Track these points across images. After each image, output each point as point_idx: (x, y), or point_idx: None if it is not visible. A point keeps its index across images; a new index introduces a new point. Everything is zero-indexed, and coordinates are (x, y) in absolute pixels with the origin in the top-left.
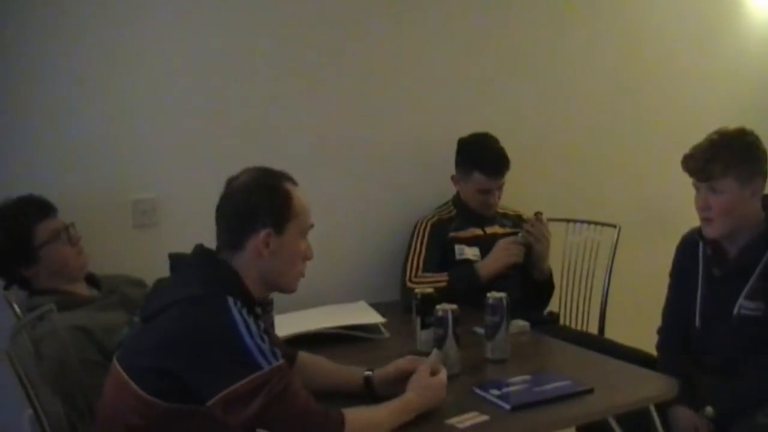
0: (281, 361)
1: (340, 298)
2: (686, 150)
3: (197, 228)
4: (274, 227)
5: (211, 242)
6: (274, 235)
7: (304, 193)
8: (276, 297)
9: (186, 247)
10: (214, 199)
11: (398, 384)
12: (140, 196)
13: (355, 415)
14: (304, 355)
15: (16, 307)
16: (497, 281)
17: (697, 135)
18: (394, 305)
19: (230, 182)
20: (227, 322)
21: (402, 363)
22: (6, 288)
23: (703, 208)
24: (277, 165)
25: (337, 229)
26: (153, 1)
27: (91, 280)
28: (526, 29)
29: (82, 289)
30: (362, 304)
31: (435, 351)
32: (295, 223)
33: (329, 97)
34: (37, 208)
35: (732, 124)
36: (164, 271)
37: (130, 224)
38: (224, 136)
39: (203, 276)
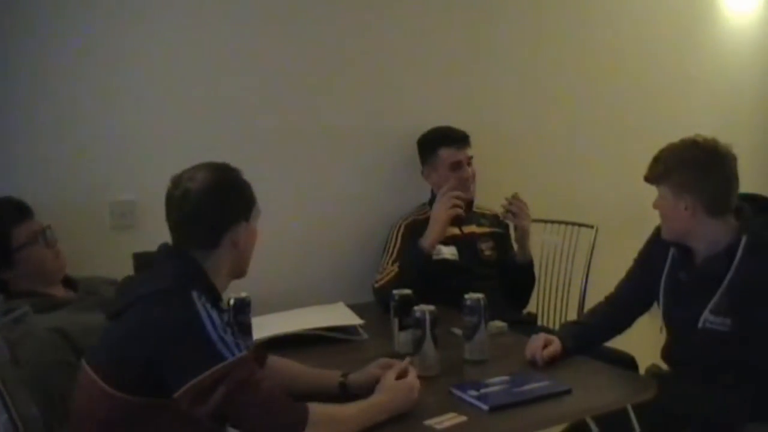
0: (245, 352)
1: (318, 300)
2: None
3: None
4: (246, 219)
5: None
6: (246, 227)
7: None
8: (254, 298)
9: None
10: None
11: (373, 389)
12: (118, 198)
13: (319, 408)
14: (274, 359)
15: None
16: (475, 282)
17: (674, 137)
18: (372, 306)
19: (183, 183)
20: (192, 316)
21: (373, 369)
22: None
23: (654, 206)
24: (255, 171)
25: (315, 230)
26: (130, 4)
27: (69, 283)
28: (505, 30)
29: (60, 291)
30: (340, 306)
31: (408, 359)
32: (255, 210)
33: (308, 99)
34: (15, 210)
35: (708, 126)
36: None
37: (108, 226)
38: (202, 139)
39: (168, 272)
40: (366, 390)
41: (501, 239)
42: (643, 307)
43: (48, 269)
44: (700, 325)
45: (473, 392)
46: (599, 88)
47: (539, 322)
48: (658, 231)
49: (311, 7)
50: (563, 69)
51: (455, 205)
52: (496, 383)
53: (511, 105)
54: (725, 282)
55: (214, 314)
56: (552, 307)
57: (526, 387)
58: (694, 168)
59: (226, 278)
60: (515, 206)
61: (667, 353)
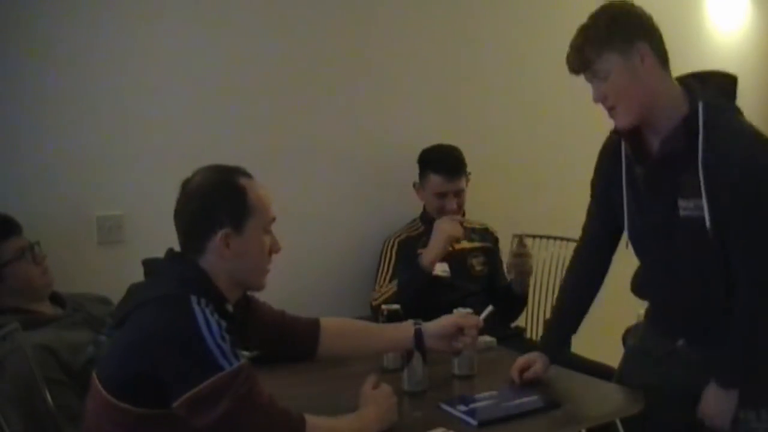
0: (243, 361)
1: (307, 314)
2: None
3: (163, 244)
4: (232, 227)
5: None
6: (234, 234)
7: (262, 186)
8: None
9: None
10: None
11: (447, 339)
12: (105, 213)
13: (316, 420)
14: (334, 321)
15: None
16: (464, 299)
17: None
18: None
19: (185, 185)
20: (188, 322)
21: (446, 321)
22: None
23: (599, 99)
24: None
25: (307, 244)
26: (116, 12)
27: (56, 299)
28: (493, 46)
29: (47, 307)
30: None
31: (371, 374)
32: (254, 219)
33: (297, 116)
34: (2, 226)
35: None
36: None
37: (95, 241)
38: (189, 154)
39: (170, 277)
40: (440, 338)
41: (491, 253)
42: (615, 238)
43: (35, 285)
44: (679, 213)
45: (462, 407)
46: (587, 103)
47: (528, 336)
48: (604, 144)
49: (304, 22)
50: (551, 85)
51: (453, 229)
52: (485, 398)
53: (501, 121)
54: (699, 159)
55: (213, 320)
56: (540, 321)
57: (515, 402)
58: (625, 16)
59: (231, 286)
60: (521, 258)
61: (638, 280)
